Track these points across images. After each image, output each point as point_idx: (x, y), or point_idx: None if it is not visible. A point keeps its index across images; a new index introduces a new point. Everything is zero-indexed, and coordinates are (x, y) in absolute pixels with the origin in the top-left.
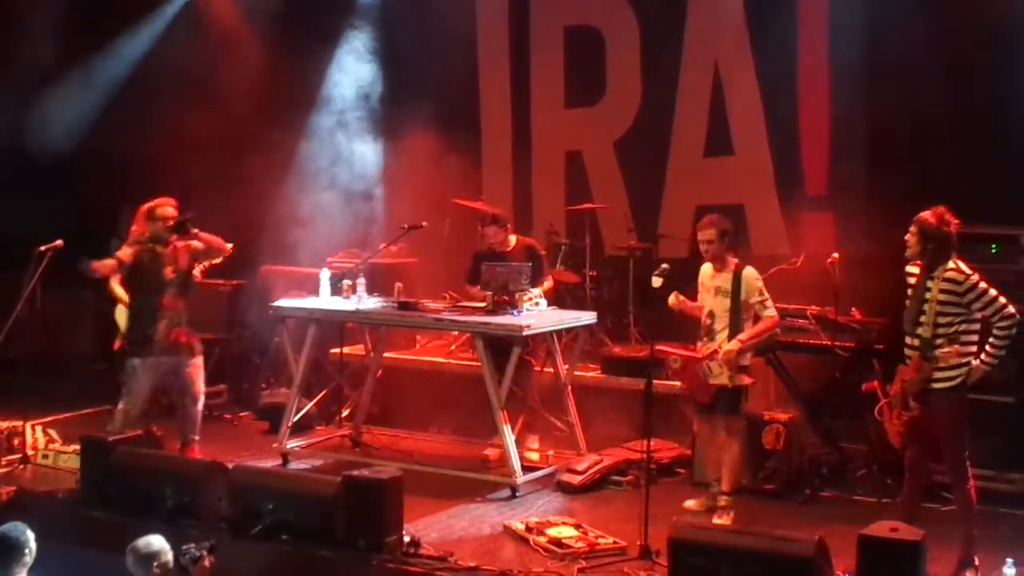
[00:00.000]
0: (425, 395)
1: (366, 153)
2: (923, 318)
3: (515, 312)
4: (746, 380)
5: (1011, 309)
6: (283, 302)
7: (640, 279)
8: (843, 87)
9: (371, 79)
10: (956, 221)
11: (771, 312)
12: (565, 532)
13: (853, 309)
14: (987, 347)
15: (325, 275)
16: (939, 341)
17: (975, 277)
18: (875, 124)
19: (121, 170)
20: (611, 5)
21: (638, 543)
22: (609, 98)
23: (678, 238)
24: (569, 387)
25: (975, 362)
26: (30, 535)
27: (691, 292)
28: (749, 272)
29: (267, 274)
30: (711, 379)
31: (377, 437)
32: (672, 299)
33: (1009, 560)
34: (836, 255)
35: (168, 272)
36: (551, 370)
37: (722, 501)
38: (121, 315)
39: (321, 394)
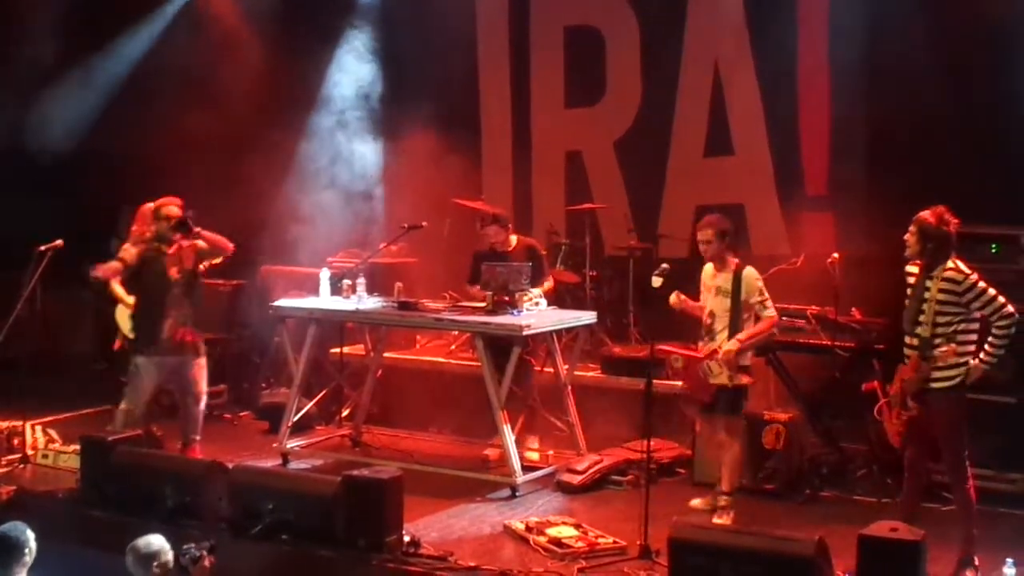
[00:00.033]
0: (425, 395)
1: (366, 153)
2: (922, 318)
3: (515, 312)
4: (745, 380)
5: (1010, 308)
6: (283, 302)
7: (640, 279)
8: (843, 87)
9: (371, 79)
10: (955, 221)
11: (771, 312)
12: (565, 532)
13: (853, 309)
14: (986, 346)
15: (325, 275)
16: (938, 341)
17: (974, 277)
18: (875, 124)
19: (121, 170)
20: (611, 5)
21: (638, 543)
22: (609, 98)
23: (678, 238)
24: (569, 387)
25: (973, 361)
26: (30, 535)
27: (691, 292)
28: (749, 272)
29: (267, 274)
30: (711, 379)
31: (377, 437)
32: (673, 298)
33: (1009, 560)
34: (836, 255)
35: (174, 272)
36: (551, 370)
37: (722, 501)
38: (121, 315)
39: (321, 394)
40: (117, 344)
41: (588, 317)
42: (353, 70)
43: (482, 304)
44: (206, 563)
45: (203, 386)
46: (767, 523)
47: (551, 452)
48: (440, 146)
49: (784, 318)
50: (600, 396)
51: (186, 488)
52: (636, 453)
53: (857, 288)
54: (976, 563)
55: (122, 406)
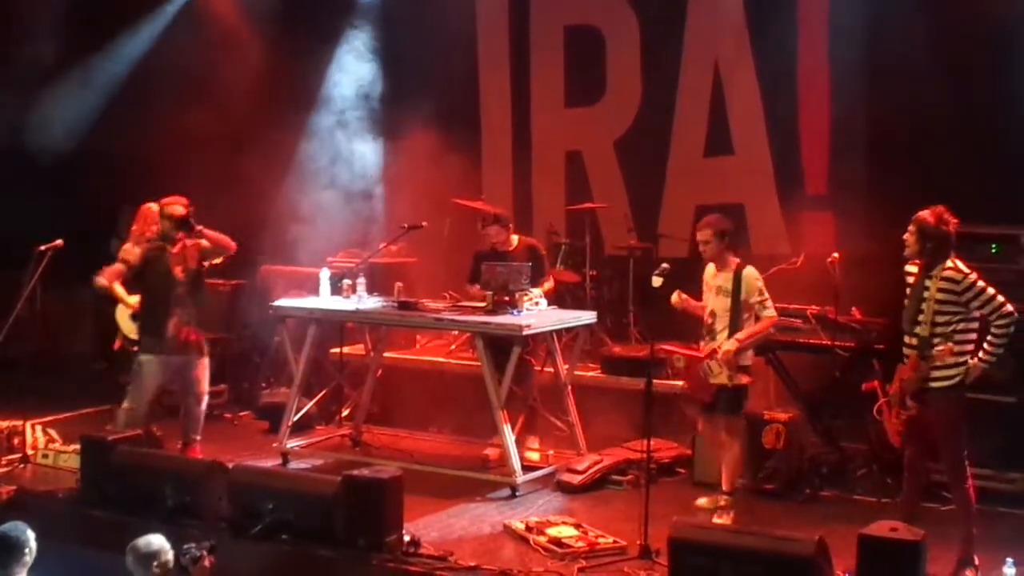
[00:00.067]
0: (425, 395)
1: (366, 153)
2: (921, 317)
3: (515, 312)
4: (745, 379)
5: (1009, 307)
6: (283, 302)
7: (640, 279)
8: (843, 87)
9: (371, 78)
10: (954, 220)
11: (770, 312)
12: (565, 532)
13: (853, 309)
14: (985, 345)
15: (325, 275)
16: (937, 340)
17: (973, 276)
18: (875, 124)
19: (121, 170)
20: (611, 5)
21: (638, 543)
22: (609, 98)
23: (678, 238)
24: (569, 387)
25: (972, 360)
26: (30, 534)
27: (691, 292)
28: (749, 272)
29: (267, 274)
30: (712, 378)
31: (377, 437)
32: (675, 297)
33: (1009, 560)
34: (836, 255)
35: (178, 272)
36: (551, 370)
37: (722, 501)
38: (122, 315)
39: (321, 394)
40: (117, 344)
41: (588, 317)
42: (353, 70)
43: (482, 304)
44: (206, 563)
45: (205, 386)
46: (767, 523)
47: (551, 452)
48: (440, 146)
49: (784, 318)
50: (600, 396)
51: (186, 488)
52: (636, 453)
53: (857, 288)
54: (976, 563)
55: (125, 405)
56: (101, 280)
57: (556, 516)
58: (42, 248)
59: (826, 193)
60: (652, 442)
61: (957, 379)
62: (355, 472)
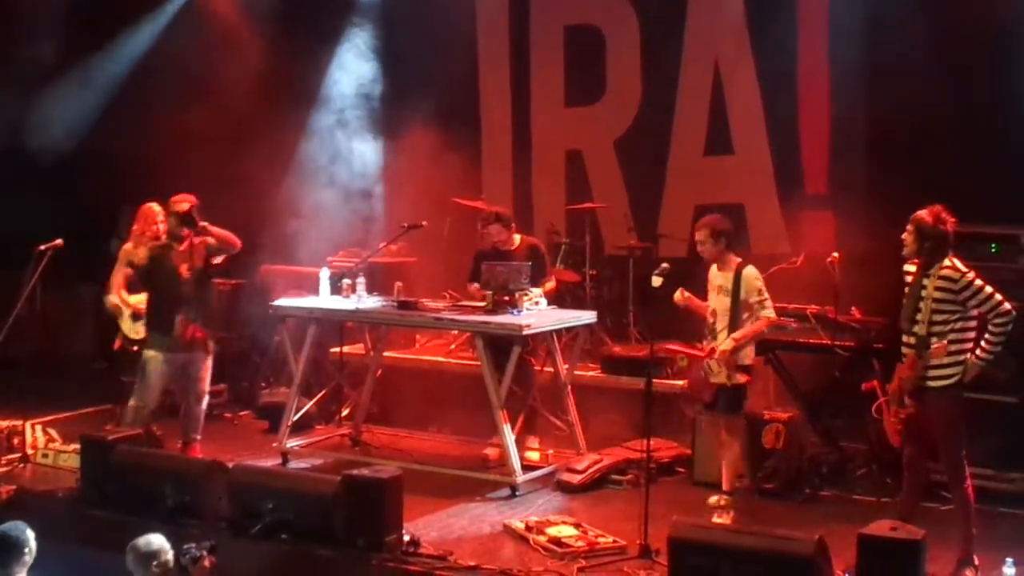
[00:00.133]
0: (425, 395)
1: (366, 152)
2: (919, 316)
3: (515, 311)
4: (743, 379)
5: (1007, 306)
6: (283, 301)
7: (640, 278)
8: (843, 87)
9: (371, 77)
10: (952, 219)
11: (768, 312)
12: (565, 531)
13: (853, 308)
14: (982, 343)
15: (325, 274)
16: (934, 339)
17: (971, 275)
18: (875, 124)
19: (121, 170)
20: (611, 4)
21: (638, 542)
22: (609, 97)
23: (678, 238)
24: (569, 387)
25: (970, 358)
26: (30, 534)
27: (692, 291)
28: (749, 271)
29: (267, 273)
30: (712, 377)
31: (377, 436)
32: (678, 295)
33: (1009, 560)
34: (836, 254)
35: (184, 270)
36: (551, 370)
37: (722, 500)
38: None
39: (321, 393)
40: (117, 344)
41: (588, 317)
42: (353, 68)
43: (482, 303)
44: (206, 563)
45: (206, 385)
46: (767, 523)
47: (551, 452)
48: (440, 145)
49: (783, 317)
50: (600, 396)
51: (186, 487)
52: (636, 453)
53: (857, 287)
54: (976, 562)
55: (131, 403)
56: (113, 299)
57: (556, 516)
58: (42, 248)
59: (826, 193)
60: (652, 442)
61: (955, 378)
62: (355, 472)
